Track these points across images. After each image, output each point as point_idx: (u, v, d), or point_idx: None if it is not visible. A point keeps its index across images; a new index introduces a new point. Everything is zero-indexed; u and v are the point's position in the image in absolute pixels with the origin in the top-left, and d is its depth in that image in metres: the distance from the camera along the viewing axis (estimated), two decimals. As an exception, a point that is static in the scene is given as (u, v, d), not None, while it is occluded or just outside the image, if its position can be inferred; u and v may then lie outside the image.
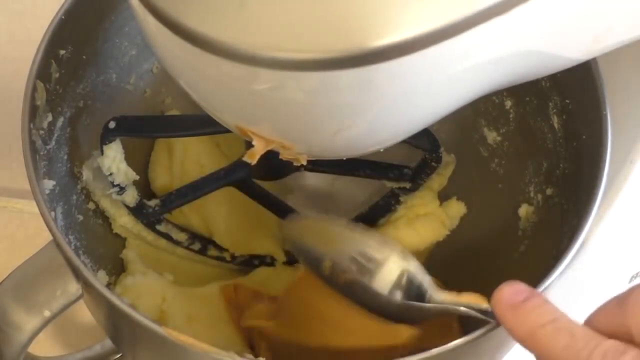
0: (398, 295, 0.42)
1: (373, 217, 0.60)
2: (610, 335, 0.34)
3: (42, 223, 0.43)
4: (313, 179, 0.65)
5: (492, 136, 0.58)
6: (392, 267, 0.43)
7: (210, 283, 0.58)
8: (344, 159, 0.42)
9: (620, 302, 0.35)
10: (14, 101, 0.48)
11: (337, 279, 0.45)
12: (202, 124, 0.52)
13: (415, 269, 0.43)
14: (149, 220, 0.56)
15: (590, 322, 0.36)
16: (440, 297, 0.42)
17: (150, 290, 0.54)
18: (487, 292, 0.56)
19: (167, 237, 0.57)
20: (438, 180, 0.60)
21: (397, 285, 0.42)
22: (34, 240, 0.68)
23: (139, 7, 0.32)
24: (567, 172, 0.50)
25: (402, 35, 0.29)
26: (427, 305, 0.42)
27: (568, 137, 0.50)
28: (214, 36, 0.30)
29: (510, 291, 0.37)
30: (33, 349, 0.46)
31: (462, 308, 0.41)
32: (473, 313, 0.40)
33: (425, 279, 0.42)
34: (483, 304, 0.40)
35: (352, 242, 0.44)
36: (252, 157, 0.37)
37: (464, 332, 0.41)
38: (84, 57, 0.51)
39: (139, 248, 0.57)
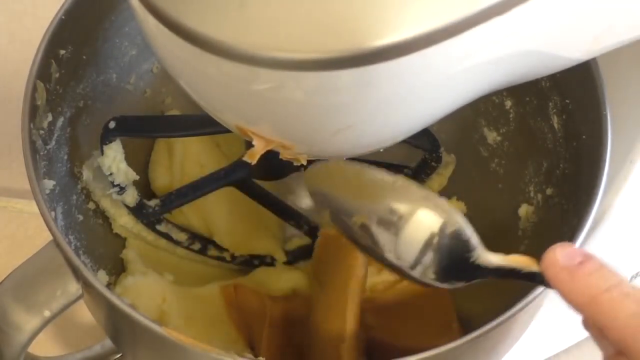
0: (429, 258, 0.38)
1: (373, 217, 0.60)
2: None
3: (42, 223, 0.43)
4: (313, 179, 0.65)
5: (492, 136, 0.58)
6: (421, 222, 0.38)
7: (210, 283, 0.58)
8: (344, 159, 0.42)
9: None
10: (14, 101, 0.48)
11: (365, 239, 0.40)
12: (202, 124, 0.52)
13: (463, 222, 0.38)
14: (149, 220, 0.56)
15: None
16: (489, 258, 0.38)
17: (150, 290, 0.54)
18: (486, 291, 0.56)
19: (167, 237, 0.57)
20: (438, 180, 0.60)
21: (427, 245, 0.38)
22: (34, 240, 0.68)
23: (139, 7, 0.32)
24: (567, 172, 0.50)
25: (401, 35, 0.29)
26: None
27: (568, 137, 0.50)
28: (214, 36, 0.30)
29: (564, 253, 0.34)
30: (33, 349, 0.46)
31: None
32: (520, 276, 0.37)
33: (474, 236, 0.38)
34: (533, 266, 0.36)
35: (388, 194, 0.39)
36: (252, 157, 0.37)
37: (464, 332, 0.41)
38: (84, 57, 0.51)
39: (139, 248, 0.57)
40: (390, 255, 0.39)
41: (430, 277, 0.39)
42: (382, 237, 0.39)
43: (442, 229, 0.38)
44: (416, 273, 0.39)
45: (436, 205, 0.38)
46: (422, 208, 0.38)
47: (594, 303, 0.33)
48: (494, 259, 0.38)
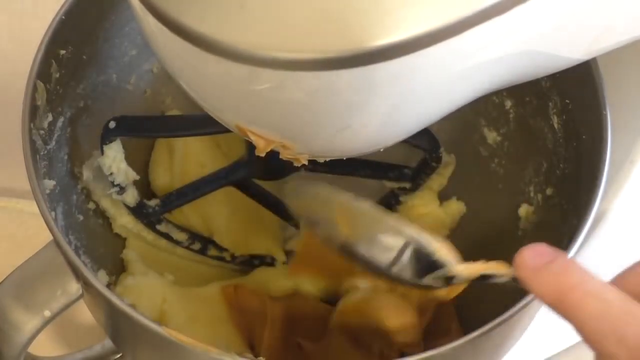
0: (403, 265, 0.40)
1: (373, 217, 0.60)
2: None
3: (42, 223, 0.43)
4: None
5: (492, 136, 0.58)
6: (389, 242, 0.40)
7: (210, 283, 0.58)
8: (344, 159, 0.42)
9: None
10: (14, 101, 0.48)
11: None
12: (202, 124, 0.52)
13: (426, 240, 0.40)
14: (149, 220, 0.56)
15: (618, 283, 0.32)
16: (459, 270, 0.39)
17: (150, 291, 0.54)
18: (486, 292, 0.56)
19: (167, 237, 0.57)
20: (438, 180, 0.60)
21: (396, 259, 0.40)
22: (34, 240, 0.68)
23: (139, 7, 0.33)
24: (567, 172, 0.50)
25: (402, 34, 0.29)
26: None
27: (568, 137, 0.50)
28: (214, 36, 0.30)
29: (532, 253, 0.34)
30: (33, 349, 0.46)
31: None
32: (494, 280, 0.37)
33: (442, 254, 0.40)
34: (505, 270, 0.37)
35: (368, 226, 0.41)
36: (260, 151, 0.37)
37: (464, 332, 0.41)
38: (84, 57, 0.51)
39: (139, 248, 0.57)
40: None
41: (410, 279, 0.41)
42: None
43: (401, 250, 0.40)
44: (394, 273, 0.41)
45: (398, 230, 0.40)
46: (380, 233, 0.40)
47: (562, 302, 0.32)
48: (464, 271, 0.39)
